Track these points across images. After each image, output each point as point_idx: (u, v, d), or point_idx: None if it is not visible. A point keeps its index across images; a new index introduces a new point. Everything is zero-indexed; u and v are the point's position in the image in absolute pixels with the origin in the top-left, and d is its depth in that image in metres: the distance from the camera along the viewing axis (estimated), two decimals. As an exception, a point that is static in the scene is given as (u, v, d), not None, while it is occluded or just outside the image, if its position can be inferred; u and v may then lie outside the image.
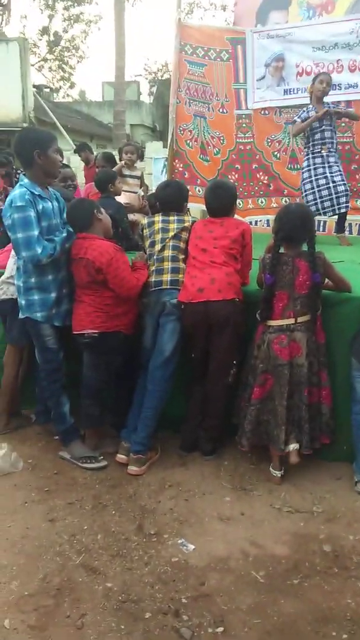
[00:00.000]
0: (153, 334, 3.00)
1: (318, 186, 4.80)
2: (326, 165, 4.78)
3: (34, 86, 16.50)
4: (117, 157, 5.60)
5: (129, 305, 2.96)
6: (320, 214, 4.83)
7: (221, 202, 3.09)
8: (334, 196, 4.77)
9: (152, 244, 3.10)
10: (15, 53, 13.44)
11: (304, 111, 4.82)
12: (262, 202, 5.86)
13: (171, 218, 3.12)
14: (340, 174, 4.79)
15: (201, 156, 5.71)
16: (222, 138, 5.72)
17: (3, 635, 1.92)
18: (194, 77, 5.58)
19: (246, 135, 5.73)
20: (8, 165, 6.45)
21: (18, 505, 2.69)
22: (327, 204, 4.81)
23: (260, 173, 5.78)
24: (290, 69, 5.54)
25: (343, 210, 4.85)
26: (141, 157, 5.69)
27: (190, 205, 3.70)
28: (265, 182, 5.79)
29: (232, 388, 3.00)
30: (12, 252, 3.03)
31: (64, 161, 5.79)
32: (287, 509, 2.65)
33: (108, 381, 3.07)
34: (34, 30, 42.30)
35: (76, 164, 9.55)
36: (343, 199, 4.77)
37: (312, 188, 4.83)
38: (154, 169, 10.65)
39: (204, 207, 3.21)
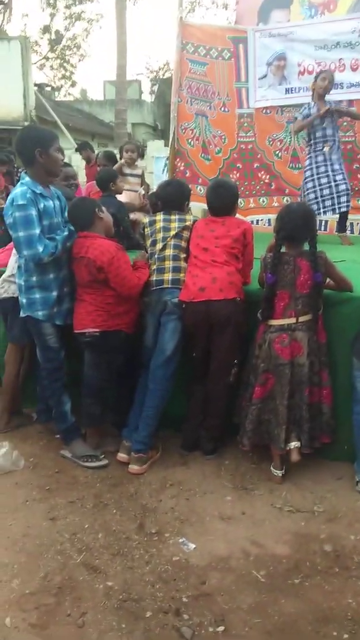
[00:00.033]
0: (154, 333, 3.00)
1: (319, 185, 4.79)
2: (328, 163, 4.76)
3: (36, 85, 16.52)
4: (118, 156, 5.60)
5: (130, 304, 2.96)
6: (321, 213, 4.82)
7: (223, 201, 3.08)
8: (335, 195, 4.75)
9: (154, 243, 3.10)
10: (17, 51, 13.42)
11: (305, 108, 4.82)
12: (263, 201, 5.85)
13: (172, 217, 3.12)
14: (342, 173, 4.78)
15: (202, 155, 5.70)
16: (223, 137, 5.71)
17: (4, 634, 1.92)
18: (195, 76, 5.56)
19: (248, 134, 5.72)
20: (9, 163, 6.46)
21: (19, 503, 2.69)
22: (328, 202, 4.79)
23: (262, 172, 5.77)
24: (292, 67, 5.51)
25: (344, 210, 4.83)
26: (142, 155, 5.68)
27: (191, 204, 3.69)
28: (266, 181, 5.77)
29: (233, 387, 2.99)
30: (14, 251, 3.03)
31: (65, 160, 5.78)
32: (288, 508, 2.64)
33: (109, 380, 3.07)
34: (35, 29, 42.44)
35: (77, 163, 9.57)
36: (344, 198, 4.76)
37: (314, 187, 4.81)
38: (156, 167, 10.64)
39: (205, 206, 3.21)
